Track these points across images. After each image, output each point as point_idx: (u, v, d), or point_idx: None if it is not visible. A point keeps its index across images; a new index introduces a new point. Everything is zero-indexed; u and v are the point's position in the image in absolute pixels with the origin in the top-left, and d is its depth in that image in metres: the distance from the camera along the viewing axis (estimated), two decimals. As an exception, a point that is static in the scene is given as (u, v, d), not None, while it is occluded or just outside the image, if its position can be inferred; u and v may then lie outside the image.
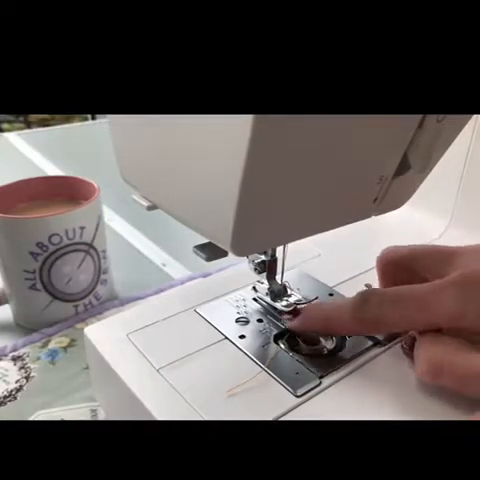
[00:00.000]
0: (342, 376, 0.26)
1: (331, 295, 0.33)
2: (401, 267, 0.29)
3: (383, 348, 0.28)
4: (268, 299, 0.31)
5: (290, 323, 0.29)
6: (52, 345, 0.40)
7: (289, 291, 0.32)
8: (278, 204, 0.21)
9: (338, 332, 0.29)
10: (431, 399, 0.25)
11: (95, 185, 0.43)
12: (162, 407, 0.25)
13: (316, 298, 0.32)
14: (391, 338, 0.29)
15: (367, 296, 0.26)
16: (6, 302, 0.44)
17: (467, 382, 0.23)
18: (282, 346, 0.28)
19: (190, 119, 0.19)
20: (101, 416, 0.33)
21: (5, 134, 0.99)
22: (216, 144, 0.19)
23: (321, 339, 0.29)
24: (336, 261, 0.37)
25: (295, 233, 0.24)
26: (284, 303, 0.31)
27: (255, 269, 0.31)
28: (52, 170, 0.79)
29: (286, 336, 0.29)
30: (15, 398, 0.35)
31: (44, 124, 2.12)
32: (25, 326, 0.43)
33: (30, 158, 0.85)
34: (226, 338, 0.29)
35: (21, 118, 2.34)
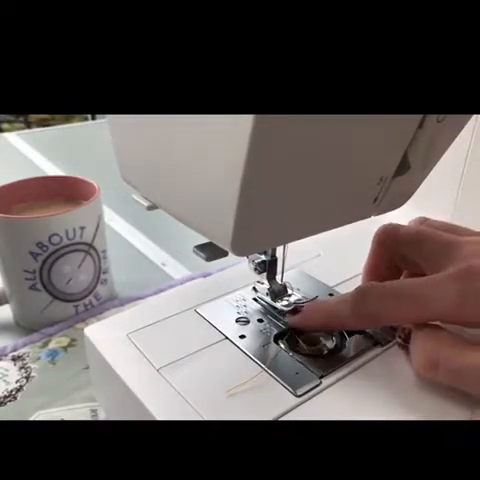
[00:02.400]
0: (342, 376, 0.26)
1: (331, 295, 0.33)
2: (397, 246, 0.29)
3: (383, 348, 0.28)
4: (268, 299, 0.31)
5: (290, 319, 0.29)
6: (52, 345, 0.40)
7: (289, 291, 0.32)
8: (278, 204, 0.21)
9: (338, 327, 0.29)
10: (431, 399, 0.25)
11: (95, 185, 0.43)
12: (162, 407, 0.25)
13: (316, 298, 0.32)
14: (391, 338, 0.29)
15: (366, 290, 0.26)
16: (6, 302, 0.44)
17: (463, 376, 0.23)
18: (282, 346, 0.28)
19: (190, 119, 0.19)
20: (101, 416, 0.33)
21: (5, 134, 0.99)
22: (216, 144, 0.19)
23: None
24: (336, 261, 0.37)
25: (295, 233, 0.24)
26: (284, 303, 0.31)
27: (255, 269, 0.31)
28: (52, 170, 0.79)
29: (286, 336, 0.29)
30: (15, 398, 0.35)
31: (44, 124, 2.12)
32: (25, 326, 0.43)
33: (30, 158, 0.85)
34: (226, 338, 0.29)
35: (21, 118, 2.34)
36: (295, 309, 0.30)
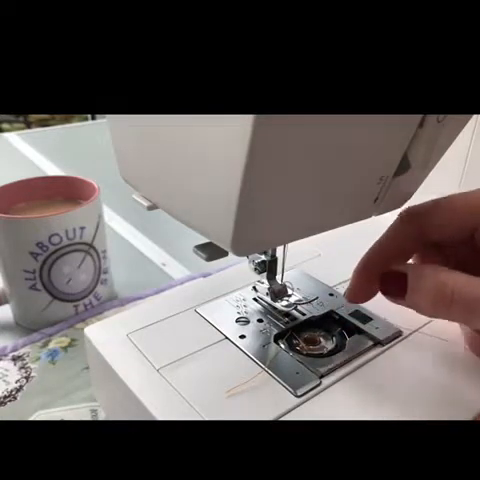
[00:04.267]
0: (342, 376, 0.26)
1: (331, 295, 0.33)
2: (425, 217, 0.26)
3: (383, 348, 0.28)
4: (268, 299, 0.31)
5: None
6: (52, 345, 0.40)
7: (289, 291, 0.32)
8: (278, 204, 0.21)
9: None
10: (431, 399, 0.25)
11: (95, 185, 0.43)
12: (162, 407, 0.25)
13: (316, 298, 0.32)
14: (391, 338, 0.29)
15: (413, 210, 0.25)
16: (6, 302, 0.44)
17: None
18: (282, 346, 0.28)
19: (190, 119, 0.19)
20: (101, 416, 0.33)
21: (5, 134, 0.99)
22: (216, 144, 0.19)
23: (321, 339, 0.29)
24: (336, 261, 0.37)
25: (295, 233, 0.24)
26: (284, 303, 0.31)
27: (255, 269, 0.31)
28: (52, 170, 0.79)
29: (286, 336, 0.29)
30: (15, 398, 0.35)
31: (44, 124, 2.12)
32: (25, 326, 0.43)
33: (30, 158, 0.85)
34: (226, 338, 0.29)
35: (21, 118, 2.34)
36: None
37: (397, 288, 0.24)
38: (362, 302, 0.27)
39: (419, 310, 0.23)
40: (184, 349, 0.28)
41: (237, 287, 0.34)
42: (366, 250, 0.28)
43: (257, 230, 0.21)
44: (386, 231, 0.28)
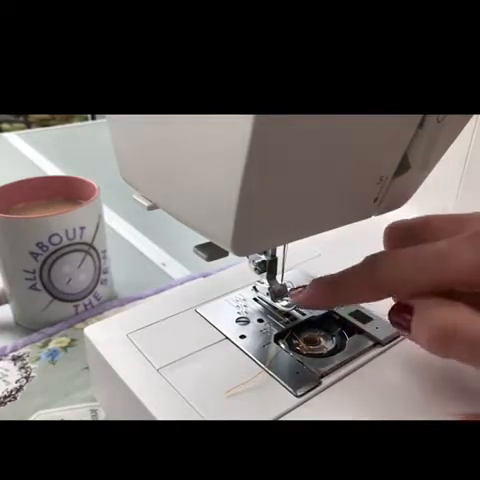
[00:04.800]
0: (342, 376, 0.26)
1: (331, 295, 0.33)
2: (410, 233, 0.27)
3: (383, 348, 0.28)
4: (268, 299, 0.31)
5: (294, 297, 0.27)
6: (52, 345, 0.40)
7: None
8: (278, 204, 0.21)
9: (347, 300, 0.26)
10: (431, 399, 0.25)
11: (95, 185, 0.43)
12: (162, 407, 0.25)
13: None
14: (391, 338, 0.29)
15: (379, 256, 0.24)
16: (6, 302, 0.44)
17: None
18: (282, 346, 0.28)
19: (190, 119, 0.19)
20: (101, 416, 0.33)
21: (5, 134, 0.99)
22: (216, 144, 0.19)
23: (321, 339, 0.29)
24: (336, 261, 0.36)
25: (295, 233, 0.24)
26: (284, 303, 0.31)
27: (255, 269, 0.31)
28: (52, 170, 0.79)
29: (286, 336, 0.29)
30: (15, 398, 0.35)
31: (44, 124, 2.12)
32: (25, 326, 0.43)
33: (30, 158, 0.85)
34: (226, 338, 0.29)
35: (21, 118, 2.34)
36: (301, 286, 0.28)
37: (404, 320, 0.23)
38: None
39: (421, 346, 0.22)
40: (184, 349, 0.28)
41: (237, 287, 0.34)
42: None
43: (257, 230, 0.21)
44: (383, 239, 0.28)
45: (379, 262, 0.24)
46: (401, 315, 0.23)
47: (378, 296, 0.25)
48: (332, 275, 0.26)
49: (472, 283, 0.22)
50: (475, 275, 0.21)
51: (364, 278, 0.24)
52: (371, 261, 0.24)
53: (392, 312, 0.24)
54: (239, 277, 0.34)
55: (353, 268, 0.25)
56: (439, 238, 0.23)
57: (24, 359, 0.39)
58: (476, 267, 0.21)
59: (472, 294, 0.22)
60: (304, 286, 0.27)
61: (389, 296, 0.25)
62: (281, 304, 0.31)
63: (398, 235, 0.27)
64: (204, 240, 0.24)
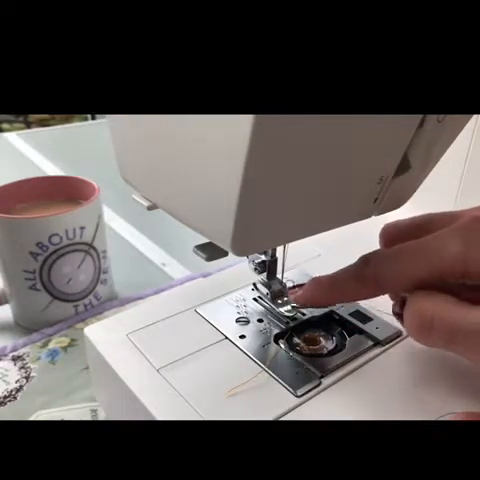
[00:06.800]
0: (342, 376, 0.26)
1: (331, 295, 0.33)
2: (406, 234, 0.28)
3: (383, 348, 0.28)
4: (268, 299, 0.31)
5: (294, 296, 0.28)
6: (52, 345, 0.40)
7: (289, 291, 0.32)
8: (278, 204, 0.21)
9: (342, 298, 0.27)
10: (431, 399, 0.25)
11: (95, 185, 0.43)
12: (162, 407, 0.25)
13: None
14: (391, 338, 0.29)
15: (369, 255, 0.26)
16: (6, 302, 0.44)
17: (459, 337, 0.21)
18: (282, 346, 0.28)
19: (190, 119, 0.19)
20: (101, 416, 0.33)
21: (5, 134, 0.99)
22: (216, 144, 0.19)
23: (321, 339, 0.29)
24: (336, 261, 0.36)
25: (295, 233, 0.24)
26: (287, 308, 0.31)
27: (255, 269, 0.31)
28: (52, 170, 0.79)
29: (286, 336, 0.29)
30: (15, 398, 0.35)
31: (44, 124, 2.12)
32: (25, 326, 0.43)
33: (30, 158, 0.85)
34: (226, 338, 0.29)
35: (21, 118, 2.34)
36: (298, 285, 0.29)
37: (401, 312, 0.25)
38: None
39: (410, 336, 0.24)
40: (184, 349, 0.28)
41: (237, 287, 0.34)
42: (366, 250, 0.28)
43: (257, 230, 0.21)
44: (380, 240, 0.29)
45: (369, 260, 0.25)
46: (400, 307, 0.25)
47: (372, 292, 0.26)
48: (327, 274, 0.27)
49: (460, 276, 0.22)
50: (460, 266, 0.22)
51: (358, 275, 0.25)
52: (362, 259, 0.26)
53: (394, 304, 0.26)
54: (239, 277, 0.34)
55: (349, 266, 0.26)
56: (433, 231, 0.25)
57: (24, 359, 0.39)
58: (461, 259, 0.22)
59: (474, 288, 0.23)
60: (301, 285, 0.28)
61: (383, 292, 0.26)
62: (284, 309, 0.31)
63: (393, 235, 0.28)
64: (204, 240, 0.24)
